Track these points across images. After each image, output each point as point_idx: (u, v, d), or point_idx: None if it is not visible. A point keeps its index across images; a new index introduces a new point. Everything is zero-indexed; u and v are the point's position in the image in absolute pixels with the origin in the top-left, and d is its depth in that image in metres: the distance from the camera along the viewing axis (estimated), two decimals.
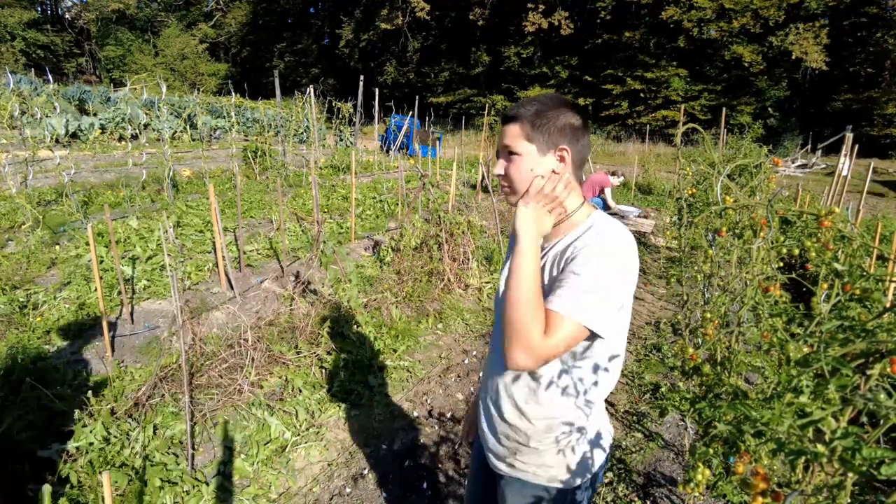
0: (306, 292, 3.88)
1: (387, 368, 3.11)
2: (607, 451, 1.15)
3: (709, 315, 1.38)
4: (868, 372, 0.73)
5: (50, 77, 14.14)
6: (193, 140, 13.07)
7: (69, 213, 5.58)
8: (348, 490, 2.19)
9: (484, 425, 1.19)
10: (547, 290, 0.98)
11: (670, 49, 24.53)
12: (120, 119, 12.02)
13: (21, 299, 3.49)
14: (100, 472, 2.10)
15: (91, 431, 2.28)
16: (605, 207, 7.82)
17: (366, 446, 2.48)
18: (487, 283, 4.66)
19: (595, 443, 1.10)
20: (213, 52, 43.33)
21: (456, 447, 2.48)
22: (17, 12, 32.75)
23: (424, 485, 2.23)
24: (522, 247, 0.96)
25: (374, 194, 7.62)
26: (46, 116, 10.78)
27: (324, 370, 3.00)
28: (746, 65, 22.30)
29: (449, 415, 2.74)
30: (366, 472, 2.29)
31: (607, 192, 8.00)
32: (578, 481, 1.09)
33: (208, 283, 4.11)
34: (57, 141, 10.57)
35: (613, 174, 8.12)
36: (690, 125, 1.91)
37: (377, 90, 13.14)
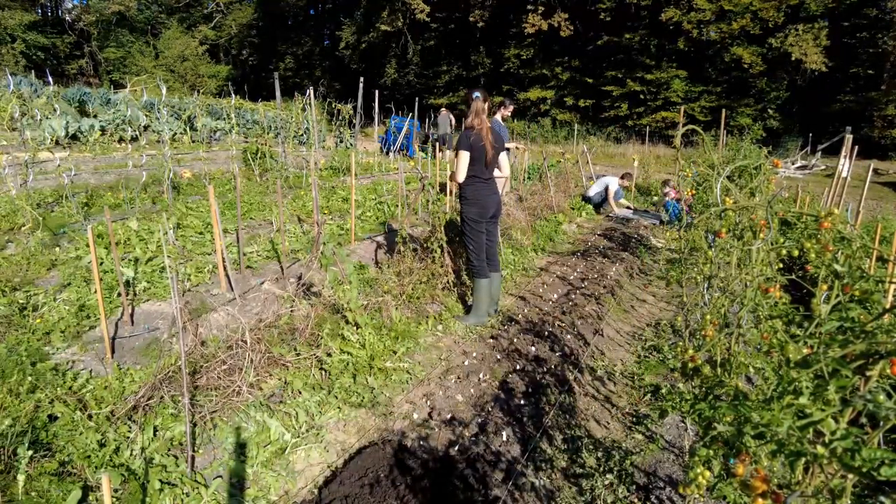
0: (307, 294, 3.88)
1: (387, 370, 3.11)
2: None
3: (709, 317, 1.38)
4: (868, 373, 0.73)
5: (50, 79, 14.17)
6: (193, 142, 13.08)
7: (69, 214, 5.59)
8: (349, 491, 2.18)
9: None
10: None
11: (670, 51, 24.56)
12: (120, 121, 12.03)
13: (21, 301, 3.49)
14: (97, 473, 2.10)
15: (91, 433, 2.28)
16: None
17: (366, 448, 2.47)
18: None
19: None
20: (214, 53, 43.38)
21: (456, 448, 2.48)
22: (18, 14, 32.79)
23: (426, 485, 2.23)
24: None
25: (374, 196, 7.62)
26: (46, 118, 10.80)
27: (324, 372, 2.99)
28: (746, 66, 22.32)
29: (449, 416, 2.73)
30: (367, 473, 2.28)
31: (611, 192, 8.50)
32: None
33: (208, 284, 4.11)
34: (57, 143, 10.58)
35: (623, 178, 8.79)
36: (690, 127, 1.91)
37: (377, 92, 13.15)
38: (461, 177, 3.67)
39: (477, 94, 3.63)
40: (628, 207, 9.26)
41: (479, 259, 3.82)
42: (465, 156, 3.62)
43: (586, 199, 9.14)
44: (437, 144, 13.24)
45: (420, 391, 3.00)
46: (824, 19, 22.09)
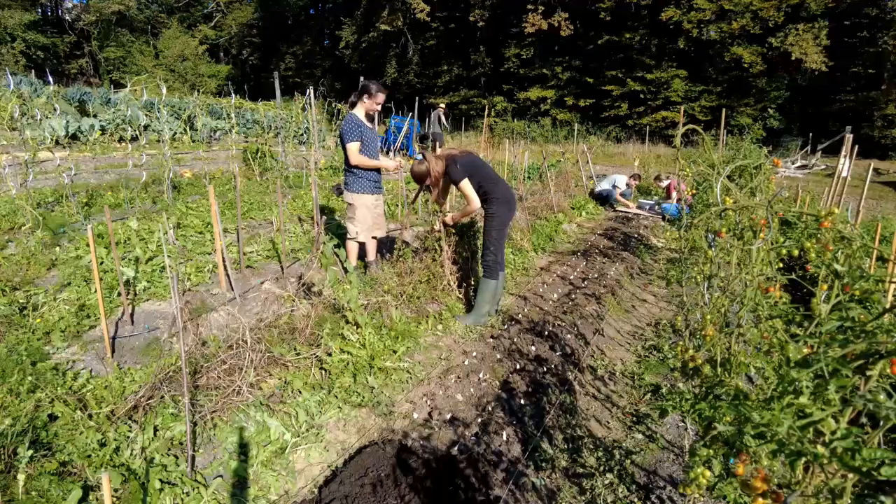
0: (307, 294, 3.88)
1: (387, 369, 3.11)
2: None
3: (709, 316, 1.38)
4: (868, 373, 0.73)
5: (50, 78, 14.16)
6: (193, 141, 13.08)
7: (69, 214, 5.59)
8: (349, 491, 2.18)
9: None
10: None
11: (670, 50, 24.56)
12: (120, 120, 12.03)
13: (21, 300, 3.50)
14: (98, 473, 2.10)
15: (91, 433, 2.28)
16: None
17: (366, 447, 2.48)
18: None
19: None
20: (214, 53, 43.38)
21: (457, 447, 2.48)
22: (18, 14, 32.78)
23: (427, 484, 2.23)
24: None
25: None
26: (46, 118, 10.80)
27: (324, 371, 2.99)
28: (746, 66, 22.32)
29: (450, 416, 2.73)
30: (367, 473, 2.29)
31: (619, 191, 8.90)
32: None
33: (208, 284, 4.11)
34: (57, 142, 10.58)
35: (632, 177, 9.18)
36: (690, 126, 1.92)
37: None
38: (476, 204, 3.69)
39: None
40: (640, 208, 9.45)
41: (496, 259, 3.81)
42: (467, 184, 3.68)
43: (595, 196, 9.42)
44: (433, 143, 13.26)
45: (420, 391, 3.00)
46: (824, 18, 22.07)
